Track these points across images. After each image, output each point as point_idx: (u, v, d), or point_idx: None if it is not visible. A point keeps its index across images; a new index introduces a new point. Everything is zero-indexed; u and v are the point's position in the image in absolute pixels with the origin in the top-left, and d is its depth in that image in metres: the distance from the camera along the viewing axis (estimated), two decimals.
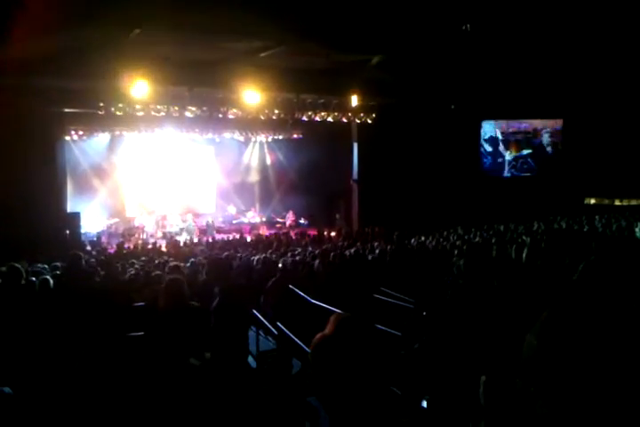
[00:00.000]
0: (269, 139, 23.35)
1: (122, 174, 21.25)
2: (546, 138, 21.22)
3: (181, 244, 16.71)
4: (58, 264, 9.20)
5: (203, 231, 20.32)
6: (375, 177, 18.75)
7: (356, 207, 19.92)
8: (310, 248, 11.69)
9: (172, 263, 7.53)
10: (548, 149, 21.38)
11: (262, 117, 16.88)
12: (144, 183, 21.76)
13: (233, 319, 4.36)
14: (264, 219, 22.66)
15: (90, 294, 5.14)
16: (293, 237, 17.14)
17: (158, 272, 6.86)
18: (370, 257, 8.73)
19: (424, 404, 2.78)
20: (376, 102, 17.76)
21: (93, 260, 10.24)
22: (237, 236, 18.46)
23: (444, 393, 2.86)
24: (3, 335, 4.23)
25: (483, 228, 14.03)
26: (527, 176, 21.59)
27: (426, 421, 2.75)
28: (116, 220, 20.04)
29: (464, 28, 12.49)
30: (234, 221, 22.23)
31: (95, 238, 18.13)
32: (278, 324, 5.35)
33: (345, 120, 17.87)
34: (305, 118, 17.40)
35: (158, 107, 15.18)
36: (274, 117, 17.05)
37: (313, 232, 18.27)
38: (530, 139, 21.30)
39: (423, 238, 12.48)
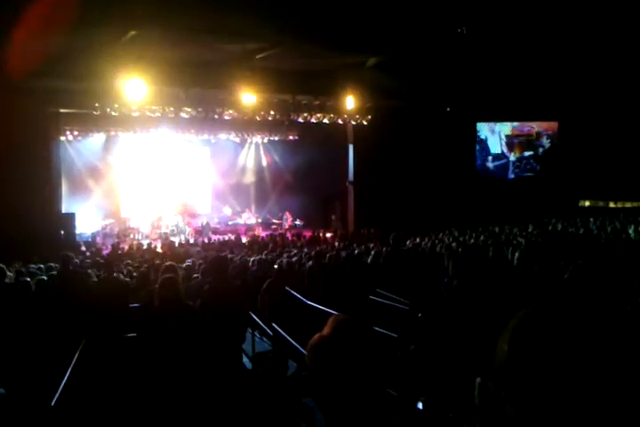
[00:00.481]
0: (265, 140, 23.34)
1: (117, 175, 21.21)
2: (544, 140, 21.38)
3: (176, 244, 16.68)
4: (52, 265, 9.17)
5: (198, 232, 20.29)
6: (371, 179, 18.78)
7: (352, 209, 19.93)
8: (306, 249, 11.70)
9: (167, 263, 7.51)
10: (545, 151, 21.51)
11: (258, 119, 16.87)
12: (139, 184, 21.71)
13: (227, 319, 4.36)
14: (259, 220, 22.65)
15: (83, 295, 5.13)
16: (289, 239, 17.14)
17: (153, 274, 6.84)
18: (365, 259, 8.74)
19: (420, 405, 2.79)
20: (372, 104, 17.79)
21: (89, 260, 10.21)
22: (233, 237, 18.44)
23: (440, 395, 2.87)
24: None
25: (478, 230, 14.07)
26: (523, 178, 21.67)
27: (421, 422, 2.75)
28: (111, 220, 19.99)
29: (460, 30, 12.53)
30: (229, 222, 22.22)
31: (90, 239, 18.07)
32: (274, 325, 5.35)
33: (340, 122, 17.89)
34: (301, 120, 17.41)
35: (154, 107, 15.15)
36: (270, 119, 17.05)
37: (308, 233, 18.28)
38: (532, 141, 21.45)
39: (418, 240, 12.49)
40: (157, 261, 10.20)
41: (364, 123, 18.02)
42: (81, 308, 4.69)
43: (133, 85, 13.76)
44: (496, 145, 21.58)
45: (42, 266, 9.09)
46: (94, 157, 20.42)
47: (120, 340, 4.24)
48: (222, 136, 21.90)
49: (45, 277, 6.32)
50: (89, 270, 8.02)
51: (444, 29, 12.74)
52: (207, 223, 20.83)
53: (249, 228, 21.59)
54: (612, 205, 20.47)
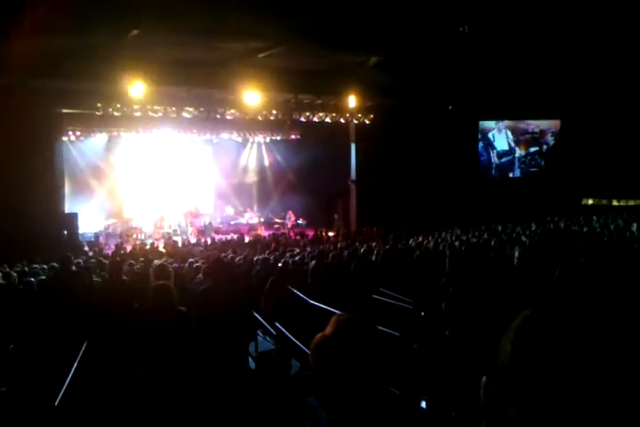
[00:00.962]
0: (267, 139, 23.33)
1: (120, 175, 21.23)
2: (548, 138, 21.47)
3: (179, 244, 16.71)
4: (55, 265, 9.19)
5: (201, 232, 20.31)
6: (373, 177, 18.77)
7: (354, 208, 19.93)
8: (309, 249, 11.69)
9: (156, 262, 7.47)
10: (548, 148, 21.58)
11: (260, 118, 16.88)
12: (142, 184, 21.73)
13: (230, 321, 4.36)
14: (262, 219, 22.66)
15: (84, 296, 5.13)
16: (292, 238, 17.14)
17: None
18: (368, 258, 8.73)
19: (423, 404, 2.79)
20: (374, 103, 17.78)
21: (93, 260, 10.23)
22: (236, 236, 18.45)
23: (443, 394, 2.87)
24: None
25: (480, 228, 14.05)
26: (526, 177, 21.69)
27: (425, 421, 2.75)
28: (114, 220, 20.01)
29: (462, 29, 12.52)
30: (232, 222, 22.23)
31: (93, 239, 18.11)
32: (277, 324, 5.35)
33: (343, 121, 17.89)
34: (303, 119, 17.41)
35: (156, 107, 15.18)
36: (272, 118, 17.06)
37: (311, 233, 18.28)
38: (537, 138, 21.53)
39: (421, 239, 12.48)
40: (157, 262, 10.19)
41: (367, 122, 18.01)
42: (83, 308, 4.70)
43: (136, 85, 13.78)
44: (503, 142, 21.67)
45: (45, 266, 9.11)
46: (97, 157, 20.44)
47: (123, 341, 4.24)
48: (224, 136, 21.91)
49: (45, 277, 6.33)
50: (95, 270, 8.05)
51: (446, 28, 12.73)
52: (210, 223, 20.85)
53: (251, 227, 21.60)
54: (615, 203, 20.42)
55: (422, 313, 4.38)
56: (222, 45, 13.23)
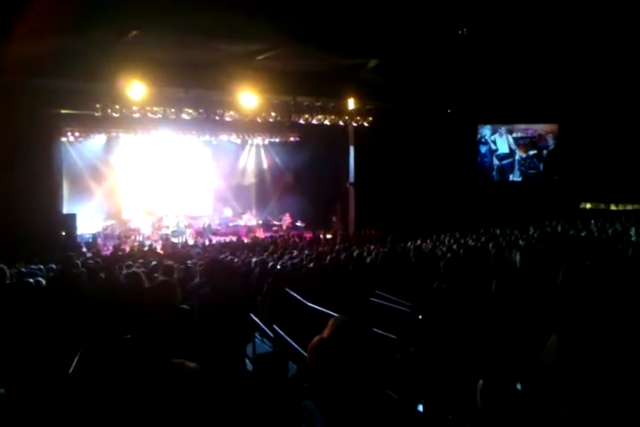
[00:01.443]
0: (266, 141, 23.33)
1: (118, 176, 21.20)
2: (549, 141, 21.63)
3: (178, 246, 16.68)
4: (53, 266, 9.17)
5: (199, 233, 20.29)
6: (371, 180, 18.78)
7: (353, 210, 19.94)
8: (307, 251, 11.69)
9: (165, 263, 7.50)
10: (548, 152, 21.69)
11: (259, 120, 16.87)
12: (140, 185, 21.72)
13: (227, 318, 4.35)
14: (260, 221, 22.65)
15: (83, 296, 5.12)
16: (290, 240, 17.13)
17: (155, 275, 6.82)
18: (366, 260, 8.74)
19: (420, 408, 2.78)
20: (373, 106, 17.80)
21: (91, 261, 10.20)
22: (234, 238, 18.43)
23: (441, 397, 2.86)
24: None
25: (479, 232, 14.06)
26: (524, 181, 21.74)
27: (422, 425, 2.75)
28: (112, 222, 19.99)
29: (460, 32, 12.55)
30: (230, 224, 22.21)
31: (91, 240, 18.08)
32: (274, 327, 5.35)
33: (342, 123, 17.90)
34: (302, 121, 17.41)
35: (155, 109, 15.16)
36: (270, 120, 17.05)
37: (309, 235, 18.28)
38: (535, 142, 21.64)
39: (419, 242, 12.49)
40: (154, 262, 10.18)
41: (365, 124, 18.03)
42: (81, 309, 4.68)
43: (134, 86, 13.78)
44: (504, 145, 21.85)
45: (42, 267, 9.08)
46: (95, 157, 20.41)
47: (120, 342, 4.23)
48: (223, 137, 21.90)
49: (45, 279, 6.31)
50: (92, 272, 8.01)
51: (444, 31, 12.76)
52: (208, 225, 20.84)
53: (250, 229, 21.58)
54: (613, 207, 20.46)
55: (420, 316, 4.37)
56: (221, 47, 13.24)
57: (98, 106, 14.62)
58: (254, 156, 24.17)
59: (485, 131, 21.99)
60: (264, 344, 5.89)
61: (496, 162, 22.02)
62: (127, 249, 16.08)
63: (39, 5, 8.96)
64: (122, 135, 20.00)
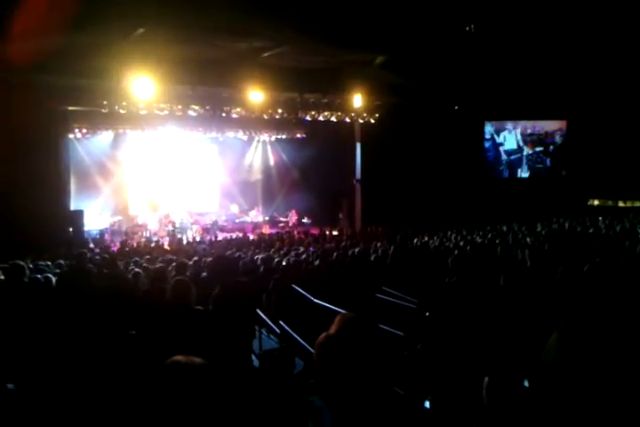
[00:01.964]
0: (272, 138, 23.33)
1: (125, 172, 21.27)
2: (556, 138, 21.56)
3: (184, 242, 16.74)
4: (62, 262, 9.22)
5: (206, 230, 20.34)
6: (378, 177, 18.76)
7: (359, 207, 19.93)
8: (312, 248, 11.69)
9: (178, 261, 7.52)
10: (555, 148, 21.65)
11: (266, 117, 16.87)
12: (147, 181, 21.78)
13: (237, 317, 4.36)
14: (267, 218, 22.67)
15: (95, 292, 5.15)
16: (296, 237, 17.14)
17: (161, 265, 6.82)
18: (372, 257, 8.74)
19: (427, 404, 2.79)
20: (379, 102, 17.76)
21: (98, 257, 10.26)
22: (240, 235, 18.46)
23: (447, 394, 2.86)
24: (5, 332, 4.24)
25: (486, 228, 14.03)
26: (531, 177, 21.67)
27: (428, 421, 2.75)
28: (120, 218, 20.07)
29: (468, 28, 12.49)
30: (237, 220, 22.24)
31: (98, 236, 18.17)
32: (281, 323, 5.36)
33: (348, 120, 17.87)
34: (308, 118, 17.41)
35: (161, 105, 15.18)
36: (277, 117, 17.05)
37: (315, 231, 18.29)
38: (543, 139, 21.58)
39: (426, 238, 12.47)
40: (160, 259, 10.22)
41: (372, 121, 17.99)
42: (90, 305, 4.71)
43: (141, 83, 13.80)
44: (512, 141, 21.83)
45: (49, 263, 9.14)
46: (103, 154, 20.47)
47: (128, 338, 4.25)
48: (230, 134, 21.90)
49: (54, 275, 6.34)
50: (99, 268, 8.06)
51: (452, 27, 12.70)
52: (215, 221, 20.89)
53: (256, 226, 21.62)
54: (621, 204, 20.34)
55: (427, 313, 4.37)
56: (228, 44, 13.23)
57: (105, 103, 14.66)
58: (261, 152, 24.18)
59: (493, 127, 21.93)
60: (270, 340, 5.91)
61: (505, 157, 21.98)
62: (134, 245, 16.15)
63: (46, 2, 8.99)
64: (129, 132, 20.04)
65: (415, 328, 4.37)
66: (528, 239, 10.11)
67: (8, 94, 13.05)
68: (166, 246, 15.82)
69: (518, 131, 21.84)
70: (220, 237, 18.07)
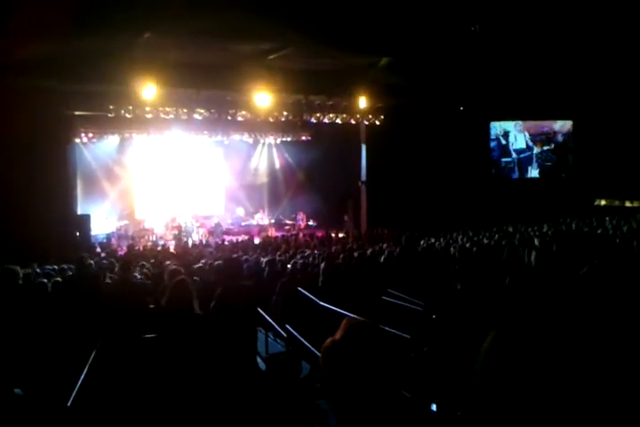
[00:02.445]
0: (278, 141, 23.36)
1: (131, 176, 21.34)
2: (559, 138, 21.51)
3: (190, 245, 16.76)
4: (66, 266, 9.25)
5: (212, 233, 20.36)
6: (383, 179, 18.73)
7: (365, 209, 19.90)
8: (318, 251, 11.68)
9: (171, 267, 7.49)
10: (559, 147, 21.62)
11: (271, 119, 16.91)
12: (153, 185, 21.85)
13: (239, 321, 4.36)
14: (272, 221, 22.68)
15: (98, 296, 5.16)
16: (302, 239, 17.14)
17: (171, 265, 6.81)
18: (378, 259, 8.72)
19: (434, 407, 2.77)
20: (384, 104, 17.75)
21: (105, 261, 10.29)
22: (246, 238, 18.47)
23: (454, 397, 2.85)
24: (8, 337, 4.25)
25: (492, 230, 13.97)
26: (538, 178, 21.61)
27: (436, 424, 2.74)
28: (126, 222, 20.12)
29: (473, 29, 12.47)
30: (242, 223, 22.25)
31: (105, 240, 18.22)
32: (287, 326, 5.35)
33: (353, 122, 17.87)
34: (313, 120, 17.42)
35: (167, 109, 15.25)
36: (282, 119, 17.08)
37: (321, 234, 18.28)
38: (550, 138, 21.54)
39: (433, 240, 12.43)
40: (167, 262, 10.24)
41: (377, 123, 17.99)
42: (96, 309, 4.72)
43: (147, 88, 13.86)
44: (521, 141, 21.82)
45: (56, 267, 9.17)
46: (109, 158, 20.54)
47: (136, 341, 4.26)
48: (235, 137, 21.94)
49: (60, 279, 6.36)
50: (107, 272, 8.09)
51: (456, 28, 12.69)
52: (217, 223, 20.92)
53: (262, 229, 21.62)
54: (628, 204, 20.22)
55: (433, 316, 4.36)
56: (233, 47, 13.26)
57: (111, 107, 14.74)
58: (266, 155, 24.20)
59: (501, 127, 21.89)
60: (277, 344, 5.90)
61: (515, 156, 21.93)
62: (141, 249, 16.19)
63: (53, 8, 9.04)
64: (135, 136, 20.11)
65: (422, 331, 4.35)
66: (535, 240, 10.05)
67: (15, 99, 13.11)
68: (172, 250, 15.85)
69: (526, 131, 21.80)
70: (226, 241, 18.07)
